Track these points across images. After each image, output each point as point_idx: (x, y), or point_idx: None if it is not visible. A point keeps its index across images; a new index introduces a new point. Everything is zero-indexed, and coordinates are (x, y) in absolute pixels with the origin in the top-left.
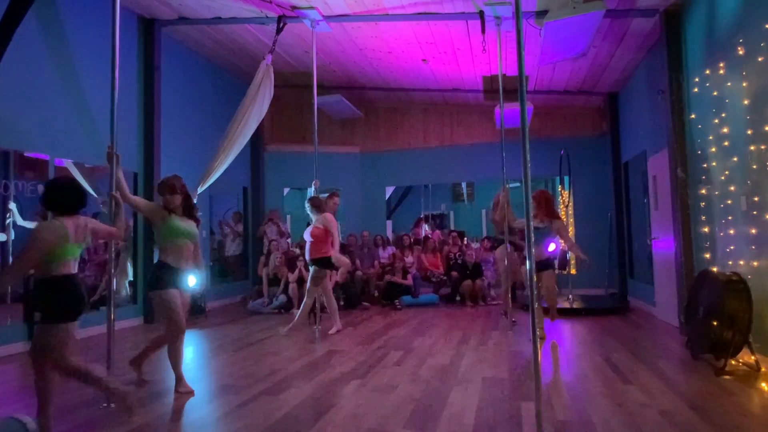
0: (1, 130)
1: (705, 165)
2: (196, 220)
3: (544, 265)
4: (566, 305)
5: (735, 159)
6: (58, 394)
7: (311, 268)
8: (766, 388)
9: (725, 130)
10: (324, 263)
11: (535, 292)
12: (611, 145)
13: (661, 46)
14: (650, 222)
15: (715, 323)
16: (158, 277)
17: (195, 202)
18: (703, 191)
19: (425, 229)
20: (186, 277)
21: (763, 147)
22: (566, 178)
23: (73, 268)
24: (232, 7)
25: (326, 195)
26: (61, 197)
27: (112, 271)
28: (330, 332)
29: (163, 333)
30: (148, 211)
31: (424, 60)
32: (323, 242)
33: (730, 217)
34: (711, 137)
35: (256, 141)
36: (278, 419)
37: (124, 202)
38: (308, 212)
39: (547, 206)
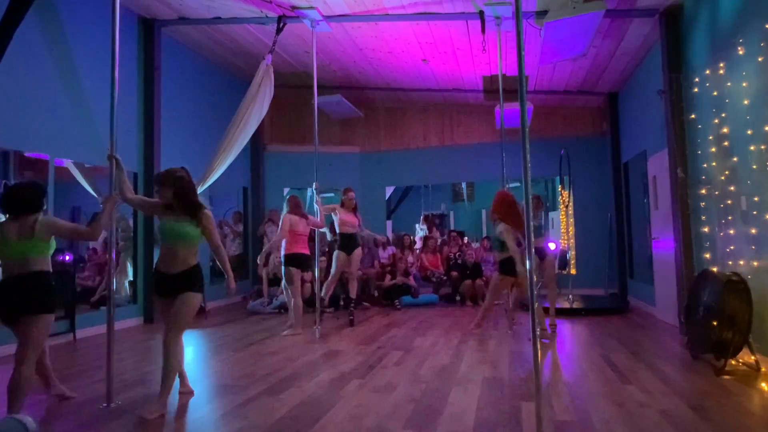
0: (1, 130)
1: (705, 165)
2: (198, 219)
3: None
4: (566, 305)
5: (735, 159)
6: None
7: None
8: (766, 388)
9: (725, 130)
10: (287, 261)
11: (535, 293)
12: (611, 145)
13: (661, 46)
14: (650, 222)
15: (715, 323)
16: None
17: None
18: (703, 191)
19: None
20: (178, 283)
21: (763, 147)
22: (566, 178)
23: (23, 267)
24: (232, 7)
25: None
26: (4, 201)
27: (112, 271)
28: (283, 333)
29: None
30: (144, 208)
31: (424, 60)
32: (288, 241)
33: (730, 217)
34: (711, 137)
35: (256, 141)
36: (278, 419)
37: (123, 202)
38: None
39: (497, 207)
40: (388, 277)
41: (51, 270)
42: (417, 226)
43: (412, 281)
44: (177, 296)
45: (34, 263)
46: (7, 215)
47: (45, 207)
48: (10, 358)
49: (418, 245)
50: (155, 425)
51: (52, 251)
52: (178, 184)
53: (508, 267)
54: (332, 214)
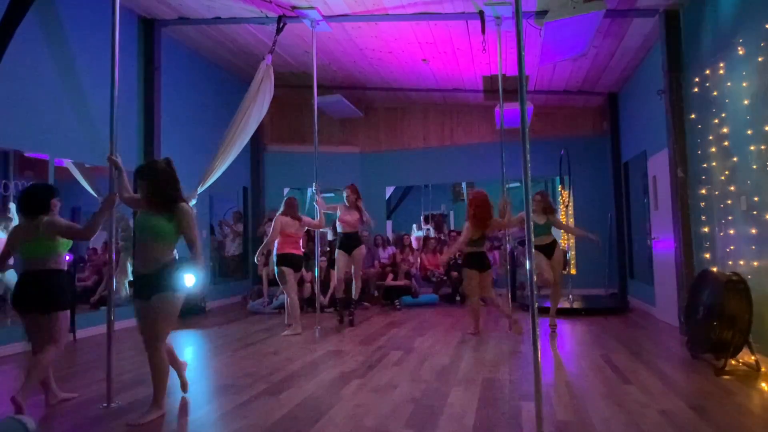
0: (1, 130)
1: (705, 165)
2: (173, 213)
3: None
4: (566, 305)
5: (735, 159)
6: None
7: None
8: (766, 388)
9: (725, 130)
10: (279, 261)
11: (536, 293)
12: (611, 145)
13: (661, 46)
14: (650, 222)
15: (715, 323)
16: None
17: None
18: (703, 191)
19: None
20: (152, 283)
21: (763, 147)
22: (566, 178)
23: (32, 266)
24: (232, 7)
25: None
26: (18, 203)
27: (112, 271)
28: (284, 333)
29: None
30: (132, 205)
31: (424, 60)
32: (280, 242)
33: (730, 217)
34: (711, 137)
35: (256, 141)
36: (278, 419)
37: (122, 203)
38: None
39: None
40: (391, 276)
41: (62, 268)
42: (414, 226)
43: (413, 283)
44: (152, 297)
45: (43, 262)
46: (26, 216)
47: (59, 206)
48: (10, 359)
49: (415, 245)
50: (155, 425)
51: (63, 249)
52: (154, 176)
53: (470, 260)
54: (333, 212)
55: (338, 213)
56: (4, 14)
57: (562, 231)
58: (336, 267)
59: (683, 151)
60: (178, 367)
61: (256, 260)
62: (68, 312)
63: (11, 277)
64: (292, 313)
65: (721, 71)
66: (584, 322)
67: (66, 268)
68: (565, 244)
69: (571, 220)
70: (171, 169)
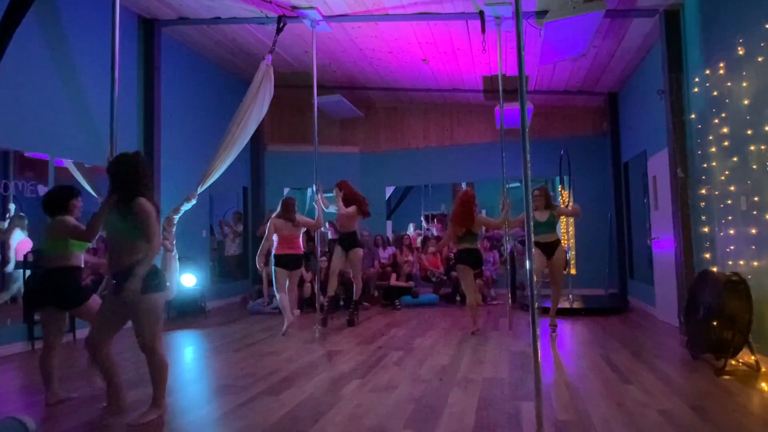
0: (1, 130)
1: (705, 165)
2: (131, 209)
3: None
4: (566, 305)
5: (735, 159)
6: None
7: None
8: (766, 388)
9: (725, 130)
10: (274, 261)
11: (535, 293)
12: (611, 145)
13: (661, 46)
14: (650, 222)
15: (715, 323)
16: None
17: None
18: (703, 191)
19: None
20: (122, 281)
21: (763, 147)
22: (566, 178)
23: (46, 263)
24: (232, 7)
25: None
26: (41, 203)
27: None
28: (282, 333)
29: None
30: None
31: (424, 60)
32: (276, 242)
33: (730, 217)
34: (711, 137)
35: (256, 141)
36: (278, 419)
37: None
38: None
39: None
40: (394, 276)
41: (73, 265)
42: (411, 225)
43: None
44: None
45: (57, 259)
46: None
47: (79, 207)
48: (10, 359)
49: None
50: (155, 426)
51: (76, 249)
52: (115, 170)
53: (461, 257)
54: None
55: (338, 211)
56: (4, 14)
57: (562, 230)
58: (331, 261)
59: (683, 151)
60: (113, 378)
61: (258, 266)
62: (95, 298)
63: (19, 277)
64: (281, 308)
65: (721, 71)
66: (584, 322)
67: (81, 265)
68: (565, 244)
69: (571, 221)
70: (136, 163)
